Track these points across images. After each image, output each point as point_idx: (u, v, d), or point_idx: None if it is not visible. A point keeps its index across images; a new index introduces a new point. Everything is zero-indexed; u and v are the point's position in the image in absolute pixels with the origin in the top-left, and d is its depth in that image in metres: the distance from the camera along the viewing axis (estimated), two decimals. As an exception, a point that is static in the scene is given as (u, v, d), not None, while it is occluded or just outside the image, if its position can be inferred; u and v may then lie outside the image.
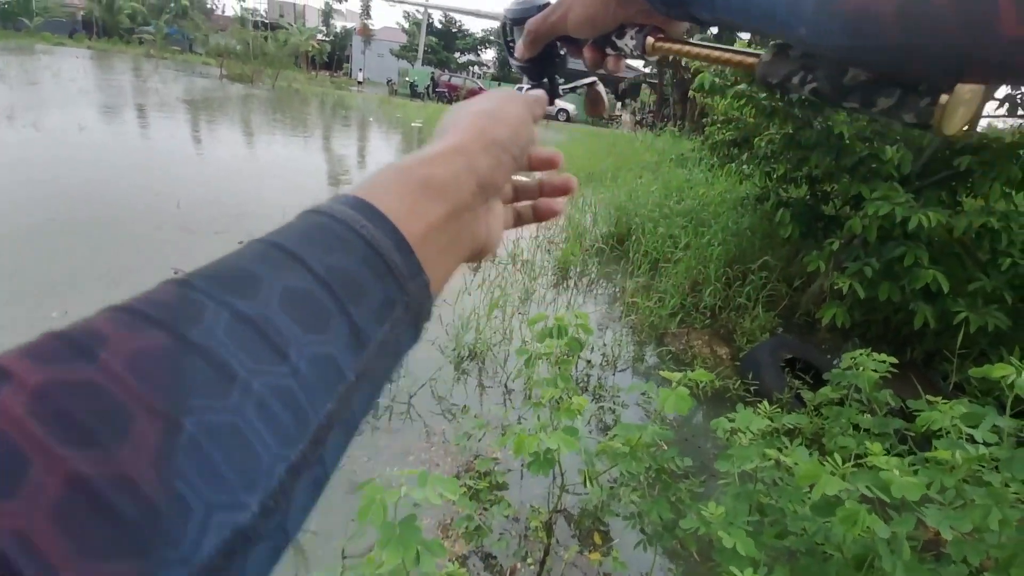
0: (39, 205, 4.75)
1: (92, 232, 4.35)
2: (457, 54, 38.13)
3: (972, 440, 1.14)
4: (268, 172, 7.53)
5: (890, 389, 2.48)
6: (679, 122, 17.95)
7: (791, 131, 3.74)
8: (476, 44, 38.09)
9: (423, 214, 0.27)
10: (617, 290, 4.82)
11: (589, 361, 3.44)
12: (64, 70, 16.27)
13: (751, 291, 4.32)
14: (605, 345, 3.65)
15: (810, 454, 1.34)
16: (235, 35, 26.26)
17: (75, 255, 3.91)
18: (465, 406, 2.78)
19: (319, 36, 37.49)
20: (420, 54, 33.94)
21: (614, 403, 3.11)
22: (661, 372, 1.45)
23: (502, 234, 0.39)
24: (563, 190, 0.45)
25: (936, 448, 1.23)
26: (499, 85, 31.85)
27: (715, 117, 5.94)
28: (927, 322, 3.24)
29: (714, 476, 2.04)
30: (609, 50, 0.43)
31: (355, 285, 0.22)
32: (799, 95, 0.35)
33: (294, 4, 46.39)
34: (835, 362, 2.75)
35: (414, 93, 29.69)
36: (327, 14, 38.38)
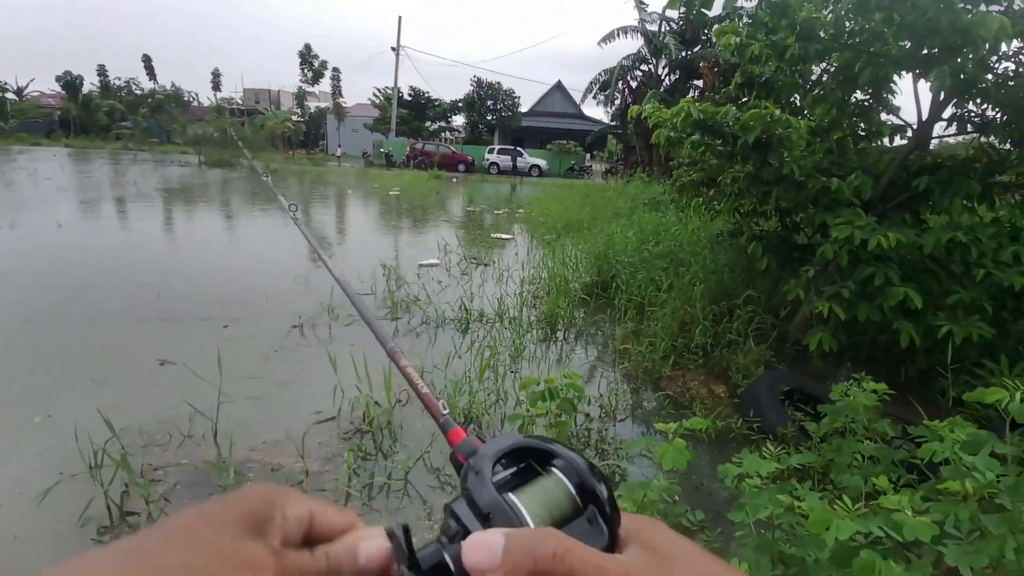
0: (17, 306, 4.68)
1: (73, 330, 4.28)
2: (428, 123, 39.57)
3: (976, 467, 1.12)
4: (248, 254, 7.57)
5: (890, 412, 2.46)
6: (647, 168, 18.60)
7: (752, 170, 3.89)
8: (446, 111, 39.63)
9: None
10: (607, 338, 4.81)
11: (588, 415, 3.38)
12: (41, 169, 16.49)
13: (739, 326, 4.34)
14: (602, 396, 3.60)
15: (821, 490, 1.30)
16: (212, 124, 27.07)
17: (56, 355, 3.82)
18: (464, 476, 2.68)
19: (294, 118, 38.82)
20: (393, 125, 35.16)
21: (618, 456, 3.03)
22: (656, 425, 1.42)
23: None
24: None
25: (945, 476, 1.21)
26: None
27: (681, 160, 6.18)
28: (916, 340, 3.27)
29: (731, 524, 1.97)
30: None
31: None
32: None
33: (268, 90, 48.24)
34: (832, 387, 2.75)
35: (390, 163, 30.51)
36: (301, 97, 39.93)
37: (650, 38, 20.11)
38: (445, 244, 8.16)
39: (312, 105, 41.91)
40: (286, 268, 6.52)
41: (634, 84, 21.74)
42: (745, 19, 4.59)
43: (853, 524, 0.94)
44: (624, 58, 21.32)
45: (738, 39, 4.31)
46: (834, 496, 1.21)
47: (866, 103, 4.47)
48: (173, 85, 46.69)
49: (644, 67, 21.32)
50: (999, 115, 3.64)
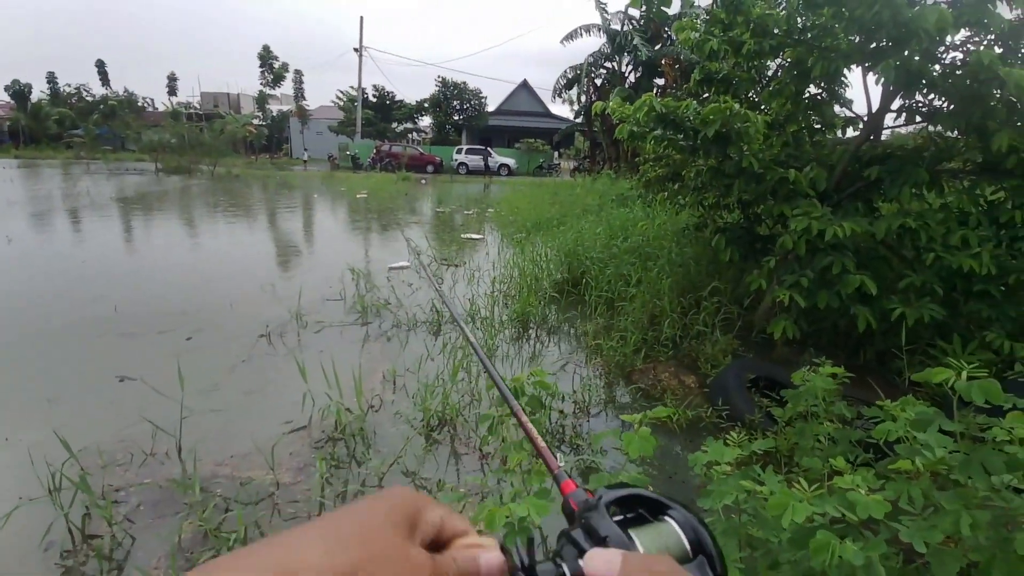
0: (-39, 329, 4.44)
1: (26, 348, 4.09)
2: (395, 124, 39.14)
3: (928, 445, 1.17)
4: (211, 262, 7.35)
5: (851, 394, 2.55)
6: (614, 164, 18.82)
7: (715, 163, 3.97)
8: (412, 112, 39.27)
9: None
10: (579, 334, 4.84)
11: (562, 411, 3.40)
12: (-14, 184, 15.67)
13: (706, 317, 4.43)
14: (575, 392, 3.62)
15: (787, 473, 1.34)
16: (169, 129, 26.19)
17: (10, 375, 3.65)
18: (440, 480, 2.66)
19: (255, 121, 37.88)
20: (358, 127, 34.66)
21: (592, 451, 3.06)
22: (623, 416, 1.43)
23: None
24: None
25: (898, 456, 1.25)
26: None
27: (646, 156, 6.28)
28: (872, 324, 3.39)
29: (702, 511, 2.01)
30: None
31: None
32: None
33: (228, 94, 46.98)
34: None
35: (356, 166, 30.08)
36: (261, 100, 38.93)
37: (613, 36, 20.34)
38: (415, 246, 8.09)
39: (274, 108, 40.95)
40: (252, 276, 6.36)
41: (599, 82, 21.97)
42: (703, 16, 4.69)
43: (809, 506, 0.97)
44: (588, 56, 21.52)
45: (696, 34, 4.39)
46: (798, 479, 1.25)
47: (819, 96, 4.62)
48: (126, 90, 44.96)
49: (608, 64, 21.55)
50: (946, 104, 3.79)
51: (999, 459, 1.08)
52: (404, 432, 3.08)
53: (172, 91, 44.80)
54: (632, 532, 0.36)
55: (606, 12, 20.57)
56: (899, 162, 3.83)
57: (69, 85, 44.85)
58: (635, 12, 19.57)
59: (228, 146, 27.97)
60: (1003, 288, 3.47)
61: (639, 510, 0.39)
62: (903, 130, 4.85)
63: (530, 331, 4.85)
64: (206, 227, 10.40)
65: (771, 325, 3.71)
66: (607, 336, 4.42)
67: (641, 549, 0.34)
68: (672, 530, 0.36)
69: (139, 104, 45.01)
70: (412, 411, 3.30)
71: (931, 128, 4.18)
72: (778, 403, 2.48)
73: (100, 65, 45.58)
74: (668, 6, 17.51)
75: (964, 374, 1.12)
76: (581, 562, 0.34)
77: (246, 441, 2.88)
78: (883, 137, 4.62)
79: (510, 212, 12.22)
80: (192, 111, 41.74)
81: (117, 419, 3.08)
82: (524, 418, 0.55)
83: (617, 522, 0.37)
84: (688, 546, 0.35)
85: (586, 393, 3.58)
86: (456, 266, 7.21)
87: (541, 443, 0.51)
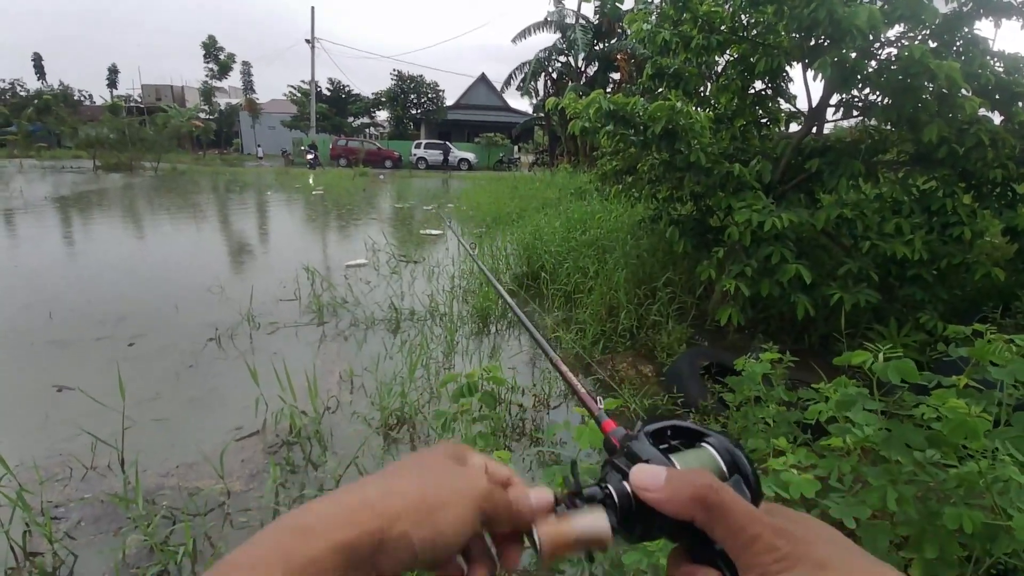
0: None
1: (-57, 364, 3.80)
2: (351, 118, 38.25)
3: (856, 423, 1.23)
4: (154, 265, 7.02)
5: (797, 377, 2.66)
6: (572, 158, 18.97)
7: (667, 158, 4.06)
8: (368, 106, 38.45)
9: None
10: (538, 327, 4.87)
11: (521, 405, 3.42)
12: (-100, 184, 14.47)
13: (661, 307, 4.53)
14: (535, 385, 3.64)
15: None
16: (107, 124, 24.77)
17: (-76, 393, 3.38)
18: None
19: (201, 115, 36.27)
20: (313, 122, 33.72)
21: (552, 443, 3.09)
22: (575, 408, 1.45)
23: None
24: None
25: (831, 434, 1.31)
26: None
27: (603, 150, 6.35)
28: (810, 311, 3.54)
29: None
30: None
31: None
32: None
33: (171, 86, 44.76)
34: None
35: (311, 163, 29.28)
36: (207, 93, 37.24)
37: (565, 30, 20.45)
38: (373, 243, 7.95)
39: (222, 101, 39.25)
40: (199, 276, 6.10)
41: (555, 76, 22.07)
42: (655, 12, 4.76)
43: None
44: (541, 51, 21.57)
45: (648, 26, 4.46)
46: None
47: (764, 92, 4.77)
48: (62, 84, 42.32)
49: (563, 59, 21.67)
50: (880, 99, 3.99)
51: (920, 435, 1.14)
52: (362, 432, 3.02)
53: (112, 84, 42.47)
54: (672, 456, 0.38)
55: (562, 3, 20.69)
56: (837, 154, 4.00)
57: (3, 80, 42.04)
58: (588, 8, 19.74)
59: (172, 141, 26.73)
60: (935, 272, 3.69)
61: (677, 441, 0.41)
62: (845, 123, 5.08)
63: (490, 326, 4.85)
64: (149, 227, 9.91)
65: (718, 313, 3.83)
66: (566, 328, 4.46)
67: (679, 468, 0.37)
68: (709, 453, 0.38)
69: (75, 98, 42.48)
70: (370, 411, 3.25)
71: (867, 121, 4.40)
72: (729, 389, 2.57)
73: (37, 59, 42.87)
74: (621, 2, 17.74)
75: (881, 356, 1.19)
76: (626, 483, 0.36)
77: (193, 451, 2.77)
78: (829, 130, 4.81)
79: (470, 207, 12.15)
80: (133, 104, 39.62)
81: (55, 432, 2.92)
82: (564, 368, 0.59)
83: (659, 448, 0.39)
84: (724, 467, 0.38)
85: (546, 386, 3.61)
86: (415, 262, 7.13)
87: (580, 388, 0.55)
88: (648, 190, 5.27)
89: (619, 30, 19.33)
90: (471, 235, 8.87)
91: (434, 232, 9.66)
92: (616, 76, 19.19)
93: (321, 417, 3.11)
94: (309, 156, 28.24)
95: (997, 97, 3.69)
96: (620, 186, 5.67)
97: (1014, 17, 3.70)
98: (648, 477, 0.35)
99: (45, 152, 31.36)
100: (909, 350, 3.40)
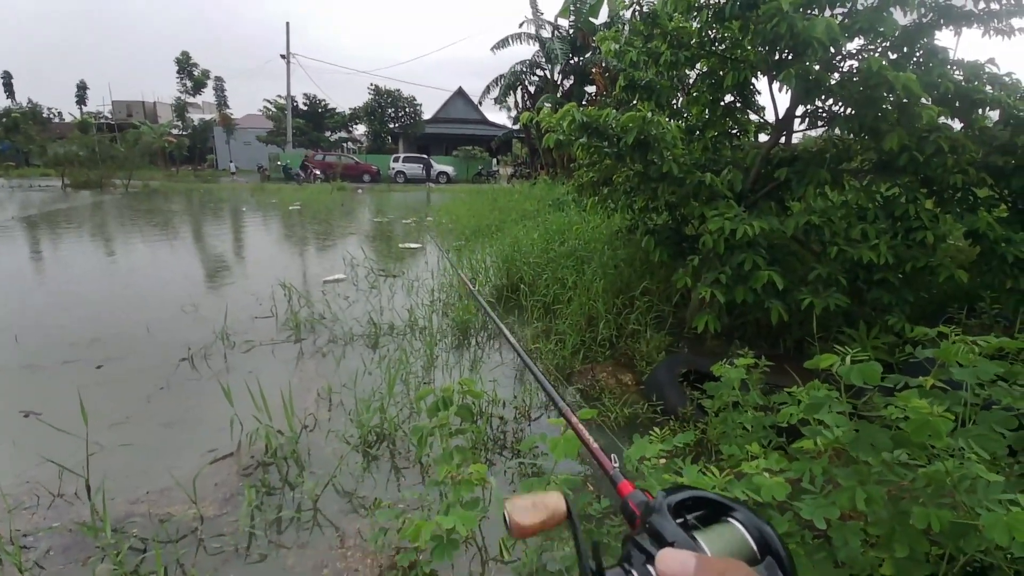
0: None
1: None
2: (328, 133, 38.03)
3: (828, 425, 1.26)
4: (125, 285, 6.85)
5: (773, 381, 2.70)
6: (551, 170, 19.14)
7: (641, 168, 4.12)
8: (346, 121, 38.30)
9: None
10: (518, 339, 4.87)
11: (502, 417, 3.40)
12: None
13: (640, 316, 4.58)
14: (516, 397, 3.63)
15: (718, 462, 1.40)
16: (76, 141, 24.23)
17: None
18: (377, 499, 2.59)
19: (174, 131, 35.70)
20: (289, 137, 33.44)
21: (533, 455, 3.07)
22: (549, 420, 1.45)
23: None
24: None
25: (803, 436, 1.34)
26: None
27: (580, 162, 6.42)
28: (784, 316, 3.61)
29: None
30: None
31: None
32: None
33: (143, 102, 44.00)
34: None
35: (288, 176, 29.01)
36: (180, 109, 36.69)
37: (544, 43, 20.74)
38: (351, 258, 7.88)
39: (195, 117, 38.69)
40: (171, 297, 5.97)
41: (532, 89, 22.31)
42: (627, 28, 4.87)
43: (720, 492, 1.02)
44: (518, 63, 21.82)
45: (617, 45, 4.55)
46: (708, 467, 1.31)
47: (734, 104, 4.90)
48: (31, 102, 41.27)
49: (540, 72, 21.94)
50: (843, 110, 4.11)
51: (885, 435, 1.17)
52: (340, 450, 2.98)
53: (82, 100, 41.55)
54: (697, 535, 0.36)
55: (541, 16, 20.99)
56: (804, 164, 4.12)
57: (-31, 100, 40.98)
58: (564, 22, 20.05)
59: (144, 158, 26.24)
60: (901, 276, 3.79)
61: (700, 511, 0.39)
62: (813, 133, 5.22)
63: (470, 339, 4.84)
64: (119, 246, 9.68)
65: (695, 320, 3.88)
66: (546, 340, 4.47)
67: (708, 552, 0.34)
68: (737, 531, 0.36)
69: (44, 115, 41.47)
70: (349, 428, 3.20)
71: (832, 131, 4.53)
72: (708, 395, 2.60)
73: (6, 77, 41.96)
74: (595, 16, 18.07)
75: (848, 359, 1.22)
76: (651, 567, 0.34)
77: (165, 475, 2.69)
78: (798, 140, 4.94)
79: (449, 220, 12.15)
80: (103, 121, 38.80)
81: (21, 459, 2.81)
82: (574, 419, 0.55)
83: (679, 524, 0.37)
84: (755, 547, 0.36)
85: (526, 397, 3.61)
86: (394, 276, 7.09)
87: (593, 444, 0.52)
88: (624, 201, 5.34)
89: (593, 44, 19.67)
90: (450, 248, 8.86)
91: (413, 245, 9.63)
92: (592, 89, 19.48)
93: (298, 436, 3.06)
94: (295, 172, 28.12)
95: (957, 105, 3.82)
96: (597, 197, 5.73)
97: (975, 25, 3.83)
98: (677, 566, 0.32)
99: (12, 171, 30.57)
100: (879, 352, 3.48)
